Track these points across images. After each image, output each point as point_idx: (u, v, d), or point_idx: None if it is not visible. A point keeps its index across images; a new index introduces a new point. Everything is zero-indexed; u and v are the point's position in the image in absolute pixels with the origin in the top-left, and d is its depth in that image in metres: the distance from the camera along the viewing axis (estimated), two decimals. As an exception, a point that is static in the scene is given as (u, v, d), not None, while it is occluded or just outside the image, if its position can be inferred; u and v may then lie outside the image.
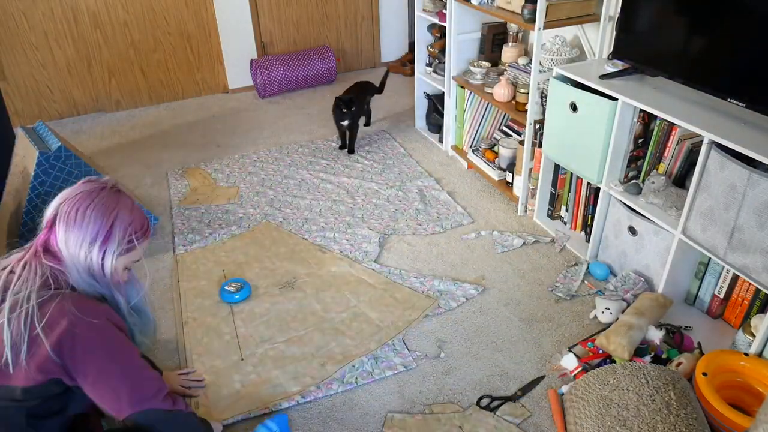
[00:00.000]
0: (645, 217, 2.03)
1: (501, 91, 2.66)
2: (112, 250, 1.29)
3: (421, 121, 3.59)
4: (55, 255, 1.29)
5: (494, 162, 2.88)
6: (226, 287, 2.20)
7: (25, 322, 1.20)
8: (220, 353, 1.94)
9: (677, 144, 1.97)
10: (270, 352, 1.94)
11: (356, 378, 1.83)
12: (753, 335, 1.76)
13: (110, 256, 1.29)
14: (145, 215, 1.38)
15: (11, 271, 1.27)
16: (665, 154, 2.02)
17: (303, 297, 2.19)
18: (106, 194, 1.31)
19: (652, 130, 2.04)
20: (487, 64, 2.92)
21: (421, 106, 3.53)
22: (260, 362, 1.90)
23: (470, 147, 3.10)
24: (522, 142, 2.60)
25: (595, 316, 2.05)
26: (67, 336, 1.21)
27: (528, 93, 2.50)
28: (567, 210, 2.54)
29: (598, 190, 2.23)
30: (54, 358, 1.20)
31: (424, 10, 3.16)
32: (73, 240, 1.27)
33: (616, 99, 2.00)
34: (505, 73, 2.77)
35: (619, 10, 2.09)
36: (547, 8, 2.25)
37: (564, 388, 1.76)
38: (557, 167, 2.46)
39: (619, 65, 2.14)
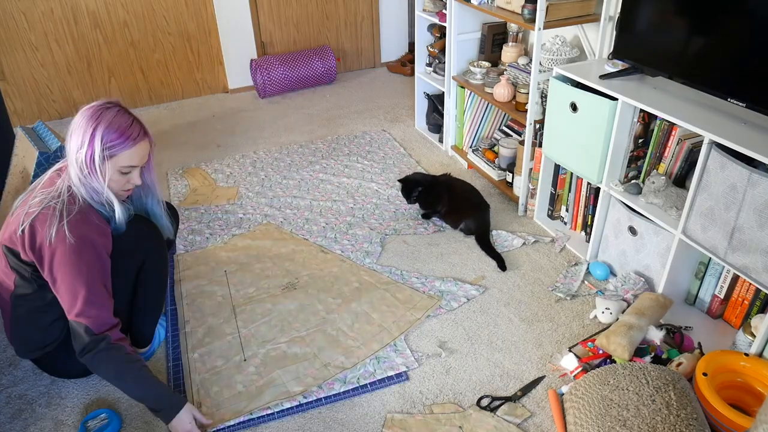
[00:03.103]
0: (645, 217, 2.03)
1: (501, 91, 2.66)
2: (94, 152, 1.52)
3: (421, 121, 3.59)
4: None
5: (494, 162, 2.88)
6: (85, 425, 1.69)
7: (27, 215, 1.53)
8: (222, 354, 1.94)
9: (677, 144, 1.97)
10: (272, 353, 1.94)
11: (358, 378, 1.83)
12: (753, 335, 1.76)
13: (95, 158, 1.52)
14: (131, 126, 1.56)
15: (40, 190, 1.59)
16: (665, 154, 2.02)
17: (305, 297, 2.19)
18: (93, 109, 1.54)
19: (652, 130, 2.04)
20: (487, 64, 2.92)
21: (421, 106, 3.53)
22: (262, 363, 1.90)
23: (470, 147, 3.10)
24: (522, 142, 2.60)
25: (595, 316, 2.05)
26: (41, 246, 1.52)
27: (528, 93, 2.50)
28: (567, 210, 2.54)
29: (598, 190, 2.23)
30: (30, 255, 1.54)
31: (424, 10, 3.16)
32: (69, 148, 1.54)
33: (616, 99, 2.00)
34: (505, 73, 2.77)
35: (619, 10, 2.09)
36: (547, 8, 2.26)
37: (564, 388, 1.76)
38: (557, 167, 2.46)
39: (619, 65, 2.14)
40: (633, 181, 2.14)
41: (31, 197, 1.58)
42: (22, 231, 1.52)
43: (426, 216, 2.67)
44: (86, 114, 1.54)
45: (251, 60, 4.12)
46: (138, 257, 1.74)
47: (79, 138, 1.52)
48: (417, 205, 2.69)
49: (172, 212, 2.09)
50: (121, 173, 1.60)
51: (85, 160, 1.52)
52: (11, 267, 1.61)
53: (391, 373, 1.85)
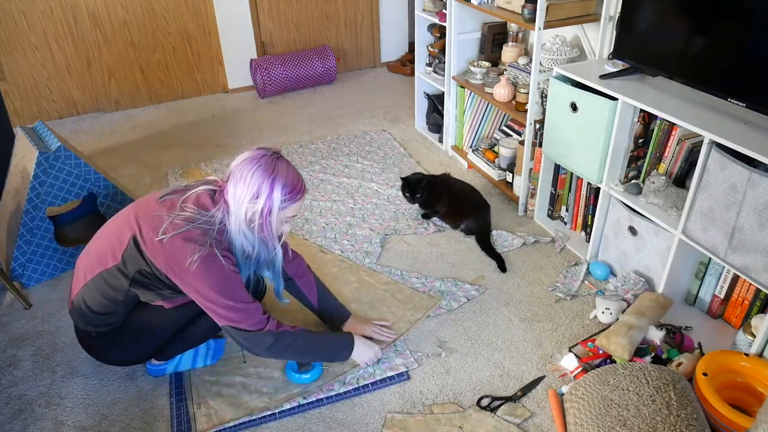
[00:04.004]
0: (645, 217, 2.03)
1: (501, 91, 2.66)
2: (269, 205, 1.53)
3: (421, 121, 3.59)
4: (227, 204, 1.56)
5: (494, 162, 2.88)
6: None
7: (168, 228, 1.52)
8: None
9: (677, 144, 1.97)
10: (270, 353, 1.93)
11: (357, 379, 1.83)
12: (753, 335, 1.76)
13: (270, 210, 1.54)
14: (299, 179, 1.59)
15: (198, 197, 1.58)
16: (665, 154, 2.02)
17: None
18: (267, 159, 1.53)
19: (653, 130, 2.04)
20: (487, 64, 2.92)
21: (421, 106, 3.53)
22: (262, 363, 1.90)
23: (470, 147, 3.10)
24: (522, 142, 2.60)
25: (595, 316, 2.05)
26: (181, 264, 1.52)
27: (528, 93, 2.50)
28: (567, 210, 2.54)
29: (598, 190, 2.23)
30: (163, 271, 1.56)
31: (424, 10, 3.16)
32: (239, 195, 1.52)
33: (617, 99, 2.00)
34: (505, 73, 2.77)
35: (619, 10, 2.09)
36: (547, 8, 2.25)
37: (564, 389, 1.76)
38: (557, 167, 2.46)
39: (619, 65, 2.14)
40: (633, 181, 2.14)
41: (176, 206, 1.55)
42: (161, 241, 1.51)
43: (426, 216, 2.67)
44: (260, 163, 1.52)
45: (251, 60, 4.12)
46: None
47: (253, 188, 1.51)
48: (417, 205, 2.69)
49: None
50: (283, 222, 1.63)
51: (259, 212, 1.53)
52: (124, 254, 1.57)
53: (390, 373, 1.85)
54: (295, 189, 1.56)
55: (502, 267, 2.32)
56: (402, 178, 2.61)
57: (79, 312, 1.68)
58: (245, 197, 1.51)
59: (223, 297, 1.54)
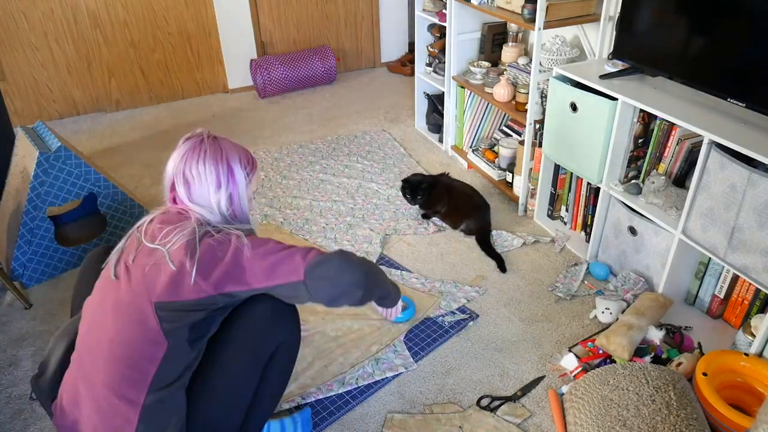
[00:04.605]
0: (645, 217, 2.03)
1: (501, 91, 2.66)
2: (236, 187, 1.39)
3: (421, 121, 3.59)
4: (194, 210, 1.37)
5: (494, 162, 2.88)
6: None
7: (192, 247, 1.28)
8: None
9: (677, 144, 1.97)
10: (270, 353, 1.94)
11: (356, 379, 1.83)
12: (753, 335, 1.76)
13: (238, 193, 1.40)
14: (243, 148, 1.46)
15: (160, 226, 1.33)
16: (665, 154, 2.02)
17: (303, 297, 2.18)
18: (206, 145, 1.38)
19: (652, 130, 2.04)
20: (487, 64, 2.92)
21: (421, 106, 3.53)
22: (261, 362, 1.90)
23: (470, 147, 3.10)
24: (522, 142, 2.60)
25: (595, 316, 2.05)
26: (230, 264, 1.29)
27: (528, 93, 2.50)
28: (567, 210, 2.54)
29: (598, 190, 2.23)
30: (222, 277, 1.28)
31: (424, 10, 3.16)
32: (198, 194, 1.36)
33: (616, 99, 2.00)
34: (505, 73, 2.77)
35: (619, 10, 2.09)
36: (547, 8, 2.25)
37: (564, 388, 1.76)
38: (557, 167, 2.46)
39: (619, 65, 2.14)
40: (633, 181, 2.14)
41: (148, 237, 1.31)
42: (179, 268, 1.25)
43: (426, 216, 2.67)
44: (202, 150, 1.36)
45: (251, 60, 4.12)
46: (272, 341, 1.43)
47: (212, 178, 1.35)
48: (417, 205, 2.69)
49: None
50: (249, 201, 1.46)
51: (227, 198, 1.37)
52: (164, 331, 1.26)
53: (390, 374, 1.85)
54: (250, 159, 1.44)
55: (501, 267, 2.32)
56: (403, 180, 2.62)
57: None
58: (208, 191, 1.36)
59: (284, 250, 1.32)
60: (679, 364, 1.75)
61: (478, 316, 2.07)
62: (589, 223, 2.40)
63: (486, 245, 2.43)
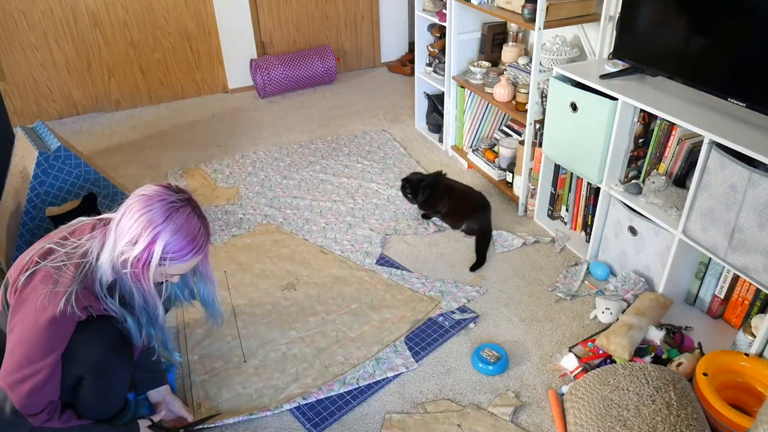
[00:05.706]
0: (645, 217, 2.03)
1: (501, 91, 2.66)
2: (146, 257, 1.31)
3: (421, 121, 3.59)
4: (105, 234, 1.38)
5: (494, 162, 2.88)
6: (480, 352, 1.89)
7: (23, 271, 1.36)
8: (222, 355, 1.94)
9: (677, 144, 1.97)
10: (271, 354, 1.94)
11: (357, 379, 1.83)
12: (753, 335, 1.76)
13: (147, 263, 1.32)
14: (196, 237, 1.36)
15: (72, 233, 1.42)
16: (665, 154, 2.02)
17: (305, 298, 2.18)
18: (164, 205, 1.32)
19: (653, 130, 2.04)
20: (487, 64, 2.92)
21: (421, 106, 3.53)
22: (262, 364, 1.90)
23: (470, 147, 3.10)
24: (522, 142, 2.60)
25: (596, 316, 2.05)
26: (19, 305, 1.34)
27: (528, 93, 2.50)
28: (567, 210, 2.54)
29: (598, 190, 2.23)
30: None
31: (424, 10, 3.16)
32: (119, 231, 1.33)
33: (617, 99, 2.00)
34: (505, 73, 2.77)
35: (619, 10, 2.09)
36: (547, 8, 2.25)
37: (564, 389, 1.76)
38: (557, 167, 2.46)
39: (620, 65, 2.14)
40: (633, 181, 2.14)
41: (61, 236, 1.40)
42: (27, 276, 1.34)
43: (426, 216, 2.67)
44: (153, 208, 1.32)
45: (251, 60, 4.12)
46: (75, 368, 1.40)
47: (135, 231, 1.31)
48: (416, 204, 2.69)
49: None
50: (162, 276, 1.41)
51: (134, 261, 1.32)
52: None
53: (390, 374, 1.85)
54: (184, 249, 1.34)
55: (474, 267, 2.32)
56: (403, 179, 2.61)
57: None
58: (124, 237, 1.31)
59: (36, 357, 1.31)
60: (680, 364, 1.75)
61: (478, 316, 2.07)
62: (589, 223, 2.40)
63: (483, 245, 2.43)
